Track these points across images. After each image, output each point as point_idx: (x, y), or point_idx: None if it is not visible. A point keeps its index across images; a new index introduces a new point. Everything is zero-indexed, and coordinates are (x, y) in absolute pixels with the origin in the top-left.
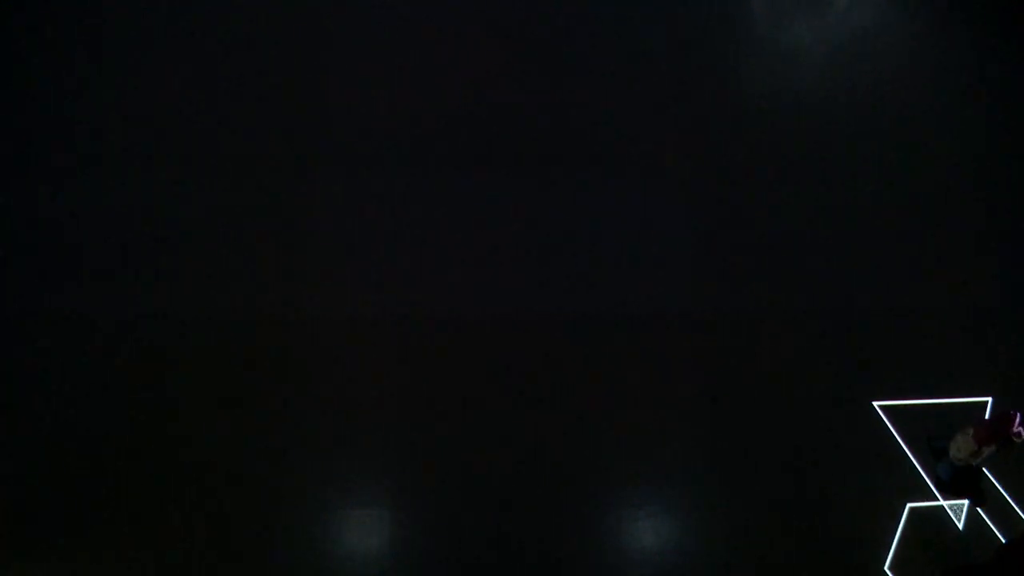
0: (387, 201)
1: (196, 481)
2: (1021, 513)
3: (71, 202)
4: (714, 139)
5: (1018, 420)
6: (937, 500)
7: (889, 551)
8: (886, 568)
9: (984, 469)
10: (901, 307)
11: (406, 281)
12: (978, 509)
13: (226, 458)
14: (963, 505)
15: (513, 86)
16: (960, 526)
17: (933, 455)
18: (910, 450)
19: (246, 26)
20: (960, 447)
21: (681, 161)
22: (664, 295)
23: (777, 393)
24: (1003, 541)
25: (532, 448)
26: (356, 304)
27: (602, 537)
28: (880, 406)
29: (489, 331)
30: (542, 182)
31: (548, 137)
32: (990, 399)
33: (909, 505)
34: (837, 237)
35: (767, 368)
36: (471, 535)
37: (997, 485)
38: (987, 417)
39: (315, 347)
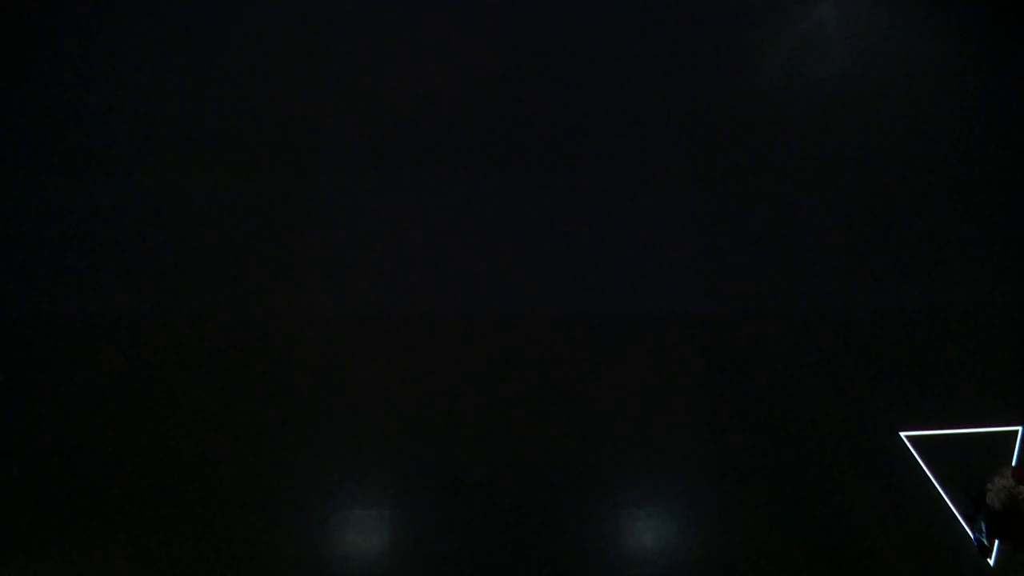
0: (388, 201)
1: (195, 481)
2: None
3: (71, 202)
4: (717, 136)
5: None
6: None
7: None
8: None
9: None
10: (922, 328)
11: (407, 281)
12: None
13: (226, 458)
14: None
15: (514, 85)
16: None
17: (973, 506)
18: (940, 484)
19: (245, 25)
20: (999, 489)
21: (684, 158)
22: (667, 294)
23: (780, 395)
24: None
25: (532, 448)
26: (356, 304)
27: (602, 537)
28: (907, 436)
29: (489, 331)
30: (542, 181)
31: (548, 136)
32: (1021, 428)
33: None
34: (854, 239)
35: (770, 370)
36: (471, 535)
37: None
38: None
39: (314, 347)
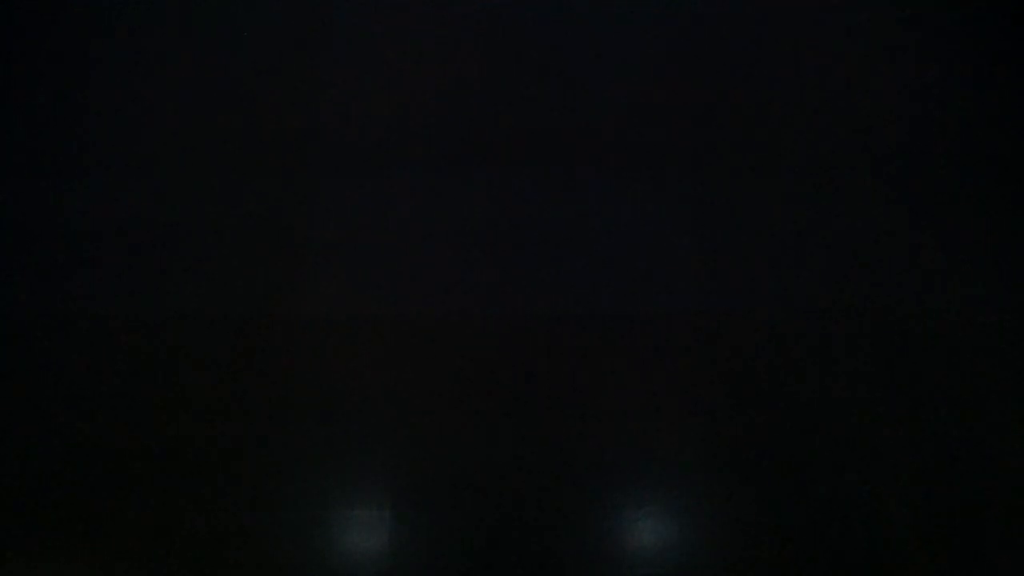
0: (384, 200)
1: (194, 481)
2: None
3: (69, 203)
4: (719, 134)
5: None
6: None
7: None
8: None
9: None
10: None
11: (405, 281)
12: None
13: (225, 459)
14: None
15: (511, 82)
16: None
17: None
18: None
19: (241, 25)
20: None
21: (685, 156)
22: (668, 294)
23: (781, 394)
24: None
25: (531, 448)
26: (354, 304)
27: (602, 537)
28: None
29: (487, 331)
30: (541, 179)
31: (547, 134)
32: None
33: None
34: (859, 239)
35: (772, 370)
36: (469, 535)
37: None
38: None
39: (312, 348)
